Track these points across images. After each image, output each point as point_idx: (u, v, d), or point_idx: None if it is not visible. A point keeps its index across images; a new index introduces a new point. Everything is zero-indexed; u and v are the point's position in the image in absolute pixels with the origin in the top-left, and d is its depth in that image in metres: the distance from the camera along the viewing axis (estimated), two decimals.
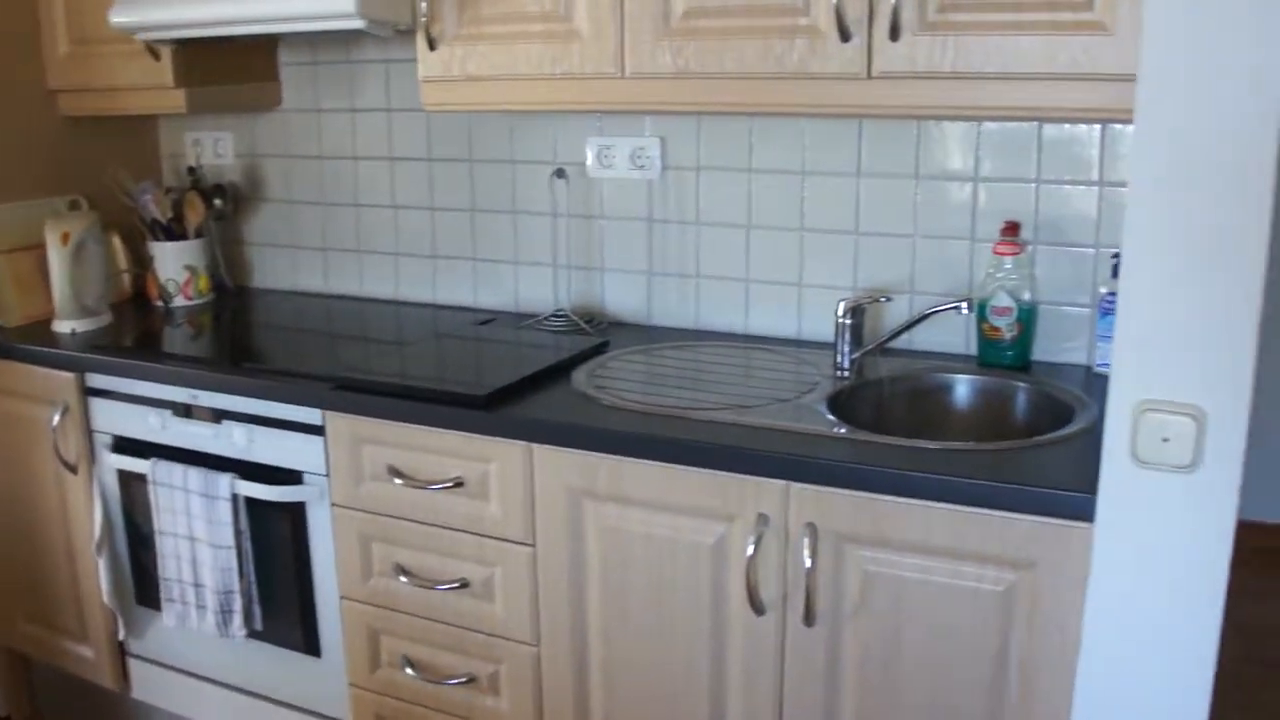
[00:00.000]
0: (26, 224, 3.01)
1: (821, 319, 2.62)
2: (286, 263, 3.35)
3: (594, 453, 2.13)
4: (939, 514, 1.88)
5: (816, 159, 2.59)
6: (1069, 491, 1.78)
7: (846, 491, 1.93)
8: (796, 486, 1.97)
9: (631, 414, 2.17)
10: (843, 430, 2.06)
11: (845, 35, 2.10)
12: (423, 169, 3.06)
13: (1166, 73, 1.59)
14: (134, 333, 2.97)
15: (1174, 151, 1.60)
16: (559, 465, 2.17)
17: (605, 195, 2.83)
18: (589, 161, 2.82)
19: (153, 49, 2.86)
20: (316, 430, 2.44)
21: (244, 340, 2.94)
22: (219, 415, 2.57)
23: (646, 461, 2.08)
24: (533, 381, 2.37)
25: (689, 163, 2.72)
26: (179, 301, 3.18)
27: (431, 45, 2.50)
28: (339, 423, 2.40)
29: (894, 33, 2.06)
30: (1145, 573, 1.72)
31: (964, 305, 2.28)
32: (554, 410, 2.22)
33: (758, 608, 2.03)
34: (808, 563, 1.97)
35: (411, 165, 3.08)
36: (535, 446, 2.19)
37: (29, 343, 2.83)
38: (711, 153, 2.69)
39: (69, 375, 2.76)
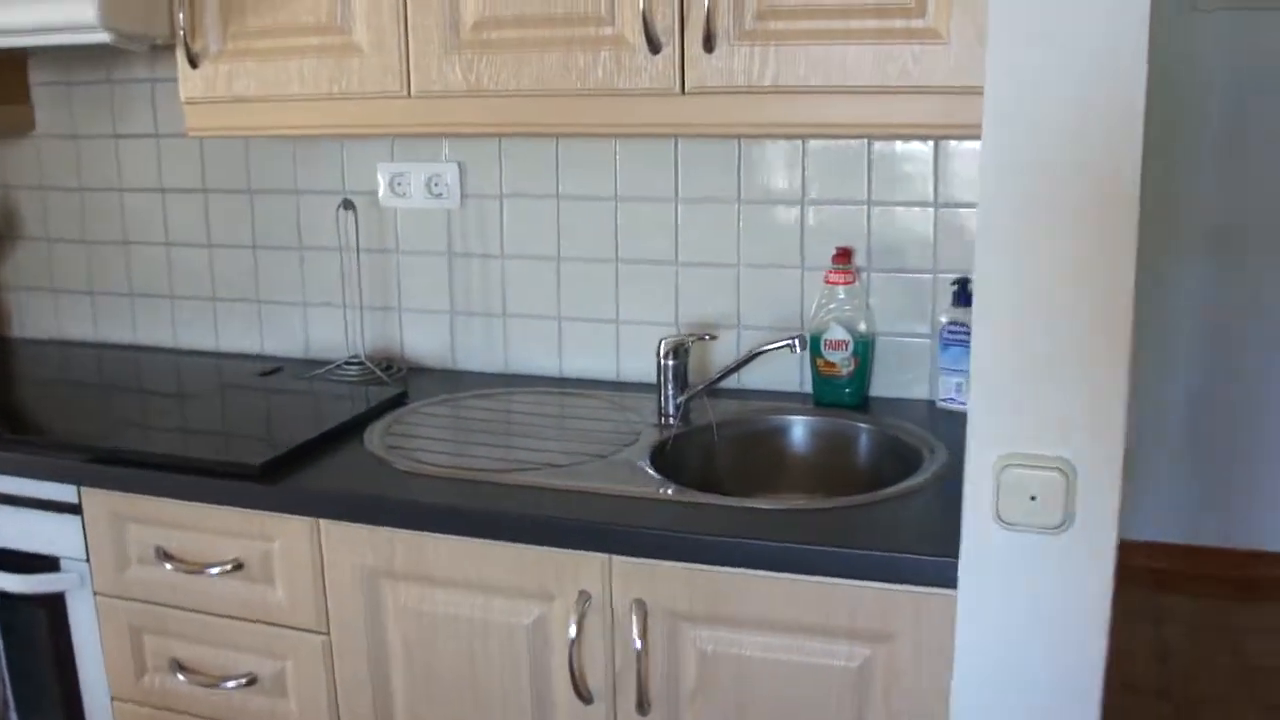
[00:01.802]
0: None
1: (642, 358, 2.40)
2: (49, 308, 2.99)
3: (388, 528, 1.86)
4: (781, 585, 1.66)
5: (630, 183, 2.36)
6: (925, 556, 1.59)
7: (676, 564, 1.71)
8: (620, 560, 1.74)
9: (431, 480, 1.92)
10: (669, 491, 1.84)
11: (655, 46, 1.88)
12: (197, 201, 2.74)
13: (1016, 83, 1.40)
14: None
15: (1027, 170, 1.41)
16: (349, 542, 1.90)
17: (400, 227, 2.56)
18: (381, 190, 2.54)
19: None
20: (72, 509, 2.11)
21: None
22: None
23: (449, 536, 1.83)
24: (321, 443, 2.09)
25: (491, 190, 2.47)
26: None
27: (193, 63, 2.20)
28: (97, 500, 2.08)
29: (708, 43, 1.85)
30: (1016, 642, 1.54)
31: (795, 343, 2.08)
32: (342, 478, 1.95)
33: (585, 696, 1.79)
34: (637, 644, 1.73)
35: (184, 197, 2.75)
36: (322, 522, 1.91)
37: None
38: (515, 178, 2.44)
39: None
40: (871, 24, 1.80)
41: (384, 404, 2.28)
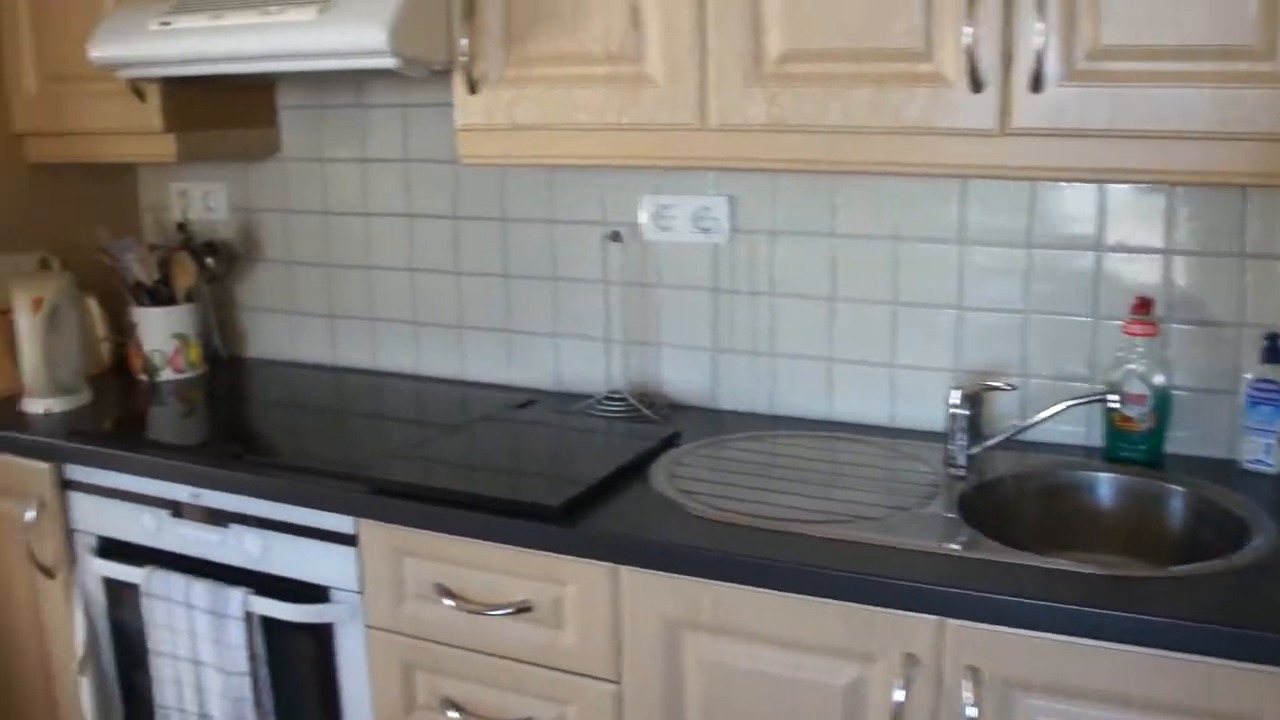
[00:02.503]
0: None
1: (918, 404, 2.31)
2: (285, 330, 2.99)
3: (696, 578, 1.80)
4: (1129, 659, 1.57)
5: (911, 223, 2.28)
6: None
7: (1014, 630, 1.62)
8: (954, 624, 1.65)
9: (734, 529, 1.85)
10: (995, 551, 1.74)
11: (977, 85, 1.81)
12: (446, 228, 2.72)
13: None
14: (118, 414, 2.60)
15: None
16: (653, 590, 1.84)
17: (663, 261, 2.50)
18: (643, 222, 2.49)
19: (137, 88, 2.52)
20: (348, 540, 2.09)
21: (248, 424, 2.58)
22: (226, 518, 2.21)
23: (763, 590, 1.76)
24: (608, 483, 2.04)
25: (762, 225, 2.40)
26: (166, 375, 2.82)
27: (472, 89, 2.17)
28: (375, 532, 2.06)
29: (1036, 83, 1.77)
30: None
31: (1114, 397, 1.98)
32: (641, 523, 1.89)
33: None
34: (972, 713, 1.64)
35: (433, 223, 2.73)
36: (623, 568, 1.86)
37: None
38: (788, 214, 2.37)
39: (44, 465, 2.40)
40: (1211, 66, 1.71)
41: (661, 443, 2.22)
